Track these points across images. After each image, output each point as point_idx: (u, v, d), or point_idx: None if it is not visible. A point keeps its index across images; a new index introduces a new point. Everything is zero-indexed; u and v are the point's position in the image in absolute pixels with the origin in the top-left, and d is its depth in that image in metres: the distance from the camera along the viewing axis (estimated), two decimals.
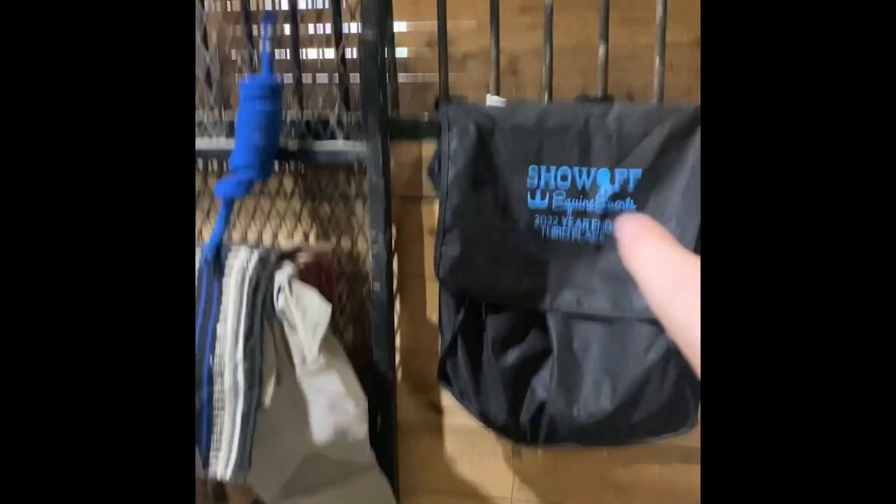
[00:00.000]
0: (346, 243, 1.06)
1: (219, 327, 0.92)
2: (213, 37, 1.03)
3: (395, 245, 1.03)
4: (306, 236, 1.07)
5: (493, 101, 0.96)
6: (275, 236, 1.08)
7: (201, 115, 1.05)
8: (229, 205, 0.96)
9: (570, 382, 0.90)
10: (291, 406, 0.94)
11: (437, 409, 1.08)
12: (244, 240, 1.09)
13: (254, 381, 0.91)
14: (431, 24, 0.95)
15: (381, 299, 1.01)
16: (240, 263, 0.93)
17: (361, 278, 1.06)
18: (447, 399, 1.06)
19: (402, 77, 1.11)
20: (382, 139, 0.96)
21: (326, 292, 1.01)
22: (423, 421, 1.10)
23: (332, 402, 0.94)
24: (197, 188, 1.08)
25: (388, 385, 1.05)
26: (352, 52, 1.01)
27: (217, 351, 0.92)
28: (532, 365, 0.94)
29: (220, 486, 1.08)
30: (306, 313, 0.91)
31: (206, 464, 0.92)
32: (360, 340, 1.07)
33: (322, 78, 1.03)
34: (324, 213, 1.06)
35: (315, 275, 1.03)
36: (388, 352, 1.03)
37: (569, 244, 0.92)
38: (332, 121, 1.01)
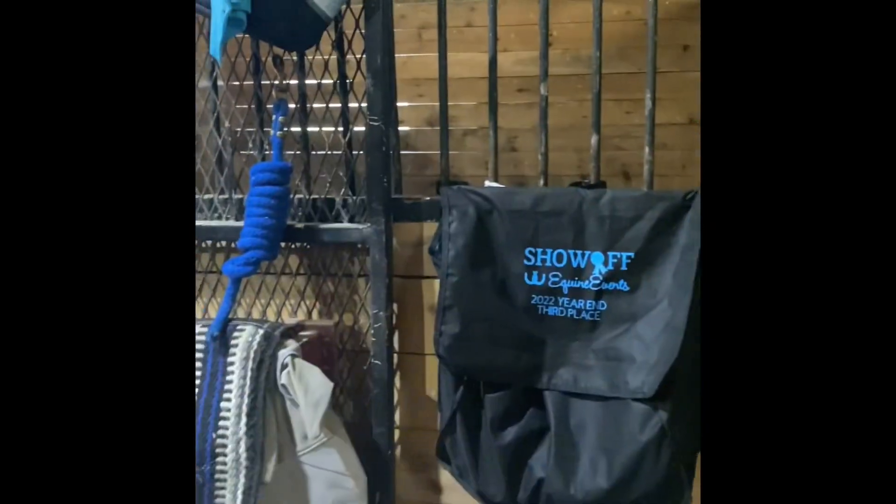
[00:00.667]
0: (348, 320, 1.09)
1: (223, 403, 0.94)
2: (225, 121, 1.10)
3: (396, 322, 1.06)
4: (309, 312, 1.10)
5: (491, 184, 1.01)
6: (279, 312, 1.11)
7: (212, 195, 1.10)
8: (236, 283, 1.00)
9: (567, 461, 0.92)
10: (292, 482, 0.95)
11: (436, 488, 1.09)
12: (249, 314, 1.12)
13: (256, 456, 0.92)
14: (432, 104, 1.01)
15: (382, 375, 1.04)
16: (245, 340, 0.96)
17: (362, 354, 1.09)
18: (446, 477, 1.07)
19: (402, 152, 1.16)
20: (385, 220, 1.01)
21: (328, 368, 1.04)
22: (421, 500, 1.10)
23: (331, 480, 0.95)
24: (205, 266, 1.12)
25: (388, 462, 1.06)
26: (351, 129, 1.07)
27: (220, 426, 0.93)
28: (530, 443, 0.95)
29: None
30: (308, 390, 0.93)
31: None
32: (359, 416, 1.09)
33: (329, 155, 1.08)
34: (327, 291, 1.10)
35: (317, 351, 1.06)
36: (387, 428, 1.05)
37: (565, 322, 0.95)
38: (338, 202, 1.06)
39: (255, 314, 1.12)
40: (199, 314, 1.14)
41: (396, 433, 1.08)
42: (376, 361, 1.04)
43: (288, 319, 1.09)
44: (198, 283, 1.13)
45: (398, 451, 1.09)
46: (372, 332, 1.03)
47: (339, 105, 1.07)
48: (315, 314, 1.10)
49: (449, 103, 1.05)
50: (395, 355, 1.07)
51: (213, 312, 1.13)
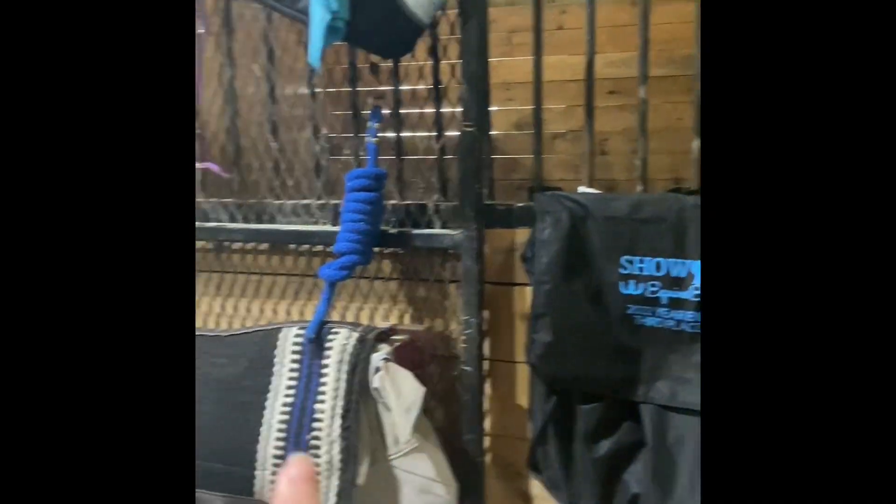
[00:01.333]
0: (438, 325, 1.10)
1: (317, 405, 0.96)
2: (322, 127, 1.12)
3: (486, 329, 1.05)
4: (401, 317, 1.11)
5: (585, 190, 0.99)
6: (371, 316, 1.12)
7: (309, 200, 1.13)
8: (332, 287, 1.02)
9: (665, 477, 0.89)
10: (383, 486, 0.96)
11: (526, 498, 1.08)
12: (343, 318, 1.14)
13: (349, 459, 0.94)
14: (521, 108, 1.00)
15: (472, 382, 1.03)
16: (339, 343, 0.98)
17: (453, 360, 1.09)
18: (536, 488, 1.06)
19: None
20: (477, 226, 1.00)
21: (419, 372, 1.04)
22: None
23: (422, 486, 0.95)
24: (302, 269, 1.15)
25: (478, 469, 1.05)
26: (444, 134, 1.07)
27: (315, 427, 0.95)
28: (625, 457, 0.93)
29: None
30: (400, 395, 0.94)
31: None
32: (448, 422, 1.09)
33: (422, 161, 1.09)
34: (419, 296, 1.10)
35: (408, 355, 1.06)
36: (477, 435, 1.04)
37: (663, 333, 0.92)
38: (430, 208, 1.06)
39: (349, 318, 1.14)
40: (295, 316, 1.17)
41: (486, 440, 1.07)
42: (466, 368, 1.03)
43: (380, 324, 1.11)
44: (294, 286, 1.16)
45: (488, 458, 1.08)
46: (462, 338, 1.03)
47: (433, 110, 1.07)
48: (406, 319, 1.11)
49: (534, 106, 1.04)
50: (486, 362, 1.06)
51: (308, 315, 1.16)
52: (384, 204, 1.05)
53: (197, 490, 0.98)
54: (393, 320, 1.12)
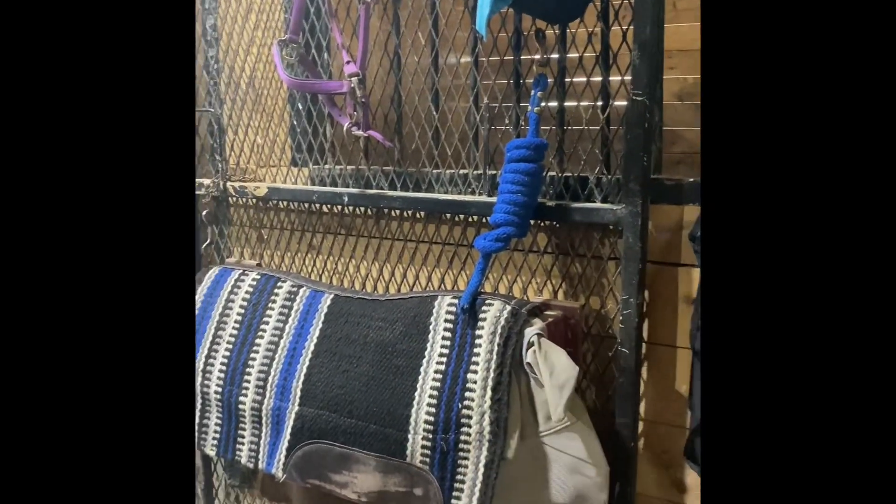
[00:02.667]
0: (594, 303, 1.06)
1: (469, 375, 0.97)
2: (484, 96, 1.11)
3: (646, 310, 1.01)
4: (555, 292, 1.09)
5: None
6: (524, 290, 1.11)
7: (466, 170, 1.13)
8: (487, 258, 1.01)
9: None
10: (532, 462, 0.95)
11: (681, 487, 1.03)
12: (495, 290, 1.13)
13: (499, 431, 0.94)
14: (683, 77, 0.93)
15: (628, 364, 0.99)
16: (493, 315, 0.97)
17: (608, 340, 1.05)
18: (692, 478, 1.00)
19: None
20: (642, 202, 0.95)
21: (571, 350, 1.02)
22: (664, 497, 1.05)
23: (572, 465, 0.94)
24: (457, 239, 1.15)
25: (629, 454, 1.01)
26: (611, 104, 1.02)
27: (466, 397, 0.96)
28: None
29: None
30: (554, 371, 0.92)
31: None
32: (601, 404, 1.06)
33: (584, 132, 1.05)
34: (574, 272, 1.07)
35: (561, 332, 1.04)
36: (631, 420, 1.01)
37: None
38: (592, 181, 1.03)
39: (501, 290, 1.13)
40: (448, 285, 1.18)
41: (640, 425, 1.03)
42: (623, 349, 0.99)
43: (533, 298, 1.09)
44: (448, 256, 1.17)
45: (640, 443, 1.04)
46: (620, 318, 0.99)
47: (600, 79, 1.03)
48: (560, 295, 1.09)
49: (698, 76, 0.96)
50: (644, 345, 1.01)
51: (461, 285, 1.17)
52: (543, 176, 1.02)
53: (352, 448, 1.03)
54: (546, 295, 1.10)
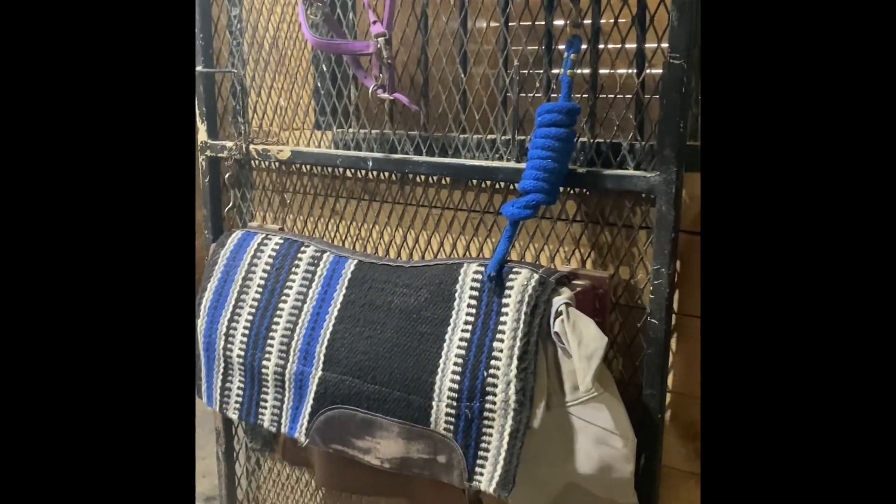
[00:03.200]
0: (624, 273, 1.04)
1: (495, 343, 0.96)
2: (514, 60, 1.08)
3: (677, 281, 0.99)
4: (583, 261, 1.07)
5: None
6: (552, 258, 1.09)
7: (495, 135, 1.11)
8: (515, 226, 1.00)
9: None
10: (558, 432, 0.94)
11: None
12: (522, 258, 1.12)
13: (525, 400, 0.93)
14: None
15: (657, 336, 0.98)
16: (520, 283, 0.96)
17: (637, 311, 1.03)
18: None
19: None
20: (677, 169, 0.93)
21: (599, 320, 1.01)
22: (689, 470, 1.04)
23: (599, 436, 0.93)
24: (483, 206, 1.14)
25: (656, 426, 1.01)
26: (647, 69, 0.99)
27: (492, 365, 0.95)
28: None
29: (476, 496, 1.12)
30: (582, 341, 0.91)
31: (471, 474, 0.96)
32: (628, 375, 1.05)
33: (618, 97, 1.02)
34: (603, 241, 1.05)
35: (589, 301, 1.03)
36: (658, 391, 1.00)
37: None
38: (624, 147, 1.00)
39: (528, 258, 1.12)
40: (473, 252, 1.17)
41: (667, 397, 1.02)
42: (653, 320, 0.98)
43: (561, 267, 1.07)
44: (474, 223, 1.15)
45: (667, 415, 1.03)
46: (650, 288, 0.97)
47: (635, 44, 1.00)
48: (589, 264, 1.07)
49: None
50: (673, 315, 1.00)
51: (486, 252, 1.15)
52: (574, 141, 1.00)
53: (375, 414, 1.03)
54: (574, 265, 1.08)
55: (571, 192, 1.06)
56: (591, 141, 1.03)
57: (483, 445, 0.96)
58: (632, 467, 0.93)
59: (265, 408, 1.15)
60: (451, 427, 0.98)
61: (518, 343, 0.94)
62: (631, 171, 0.99)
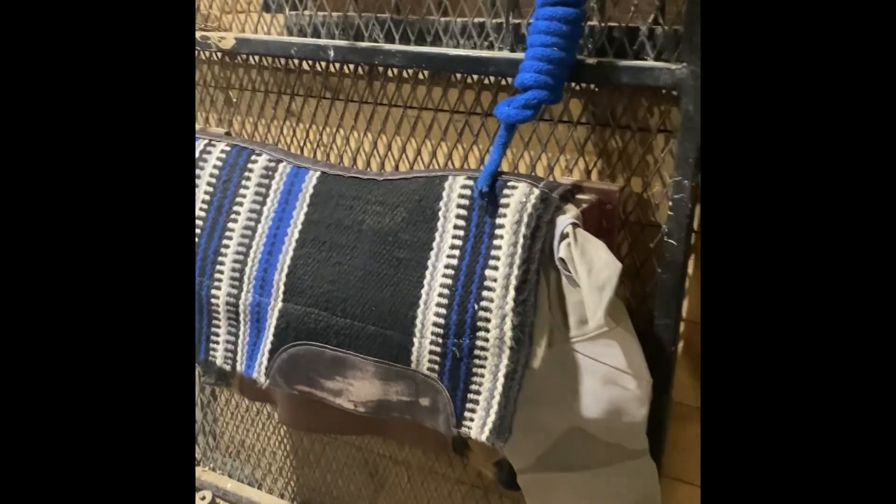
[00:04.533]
0: (635, 185, 0.91)
1: (487, 271, 0.83)
2: None
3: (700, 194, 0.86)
4: (588, 172, 0.93)
5: None
6: (551, 168, 0.95)
7: (483, 18, 0.93)
8: (511, 130, 0.85)
9: None
10: (561, 372, 0.83)
11: None
12: (515, 168, 0.97)
13: (523, 338, 0.81)
14: None
15: (675, 258, 0.86)
16: (517, 200, 0.82)
17: (650, 229, 0.91)
18: None
19: None
20: None
21: (606, 241, 0.88)
22: (700, 406, 0.95)
23: (609, 376, 0.82)
24: (469, 106, 0.98)
25: (668, 359, 0.91)
26: None
27: (484, 297, 0.82)
28: None
29: (461, 438, 1.02)
30: (592, 269, 0.78)
31: (459, 419, 0.86)
32: (637, 302, 0.93)
33: None
34: (613, 147, 0.91)
35: (595, 219, 0.90)
36: (672, 321, 0.89)
37: None
38: (643, 33, 0.84)
39: (521, 169, 0.97)
40: (457, 161, 1.02)
41: (680, 326, 0.91)
42: (670, 240, 0.86)
43: (562, 179, 0.93)
44: (457, 126, 1.00)
45: (679, 346, 0.93)
46: (669, 203, 0.84)
47: None
48: (594, 175, 0.93)
49: None
50: (693, 235, 0.87)
51: (473, 161, 1.00)
52: (583, 25, 0.84)
53: (346, 351, 0.90)
54: (577, 175, 0.94)
55: (576, 87, 0.91)
56: (602, 25, 0.87)
57: (473, 388, 0.85)
58: (645, 411, 0.83)
59: (217, 343, 1.02)
60: (437, 367, 0.86)
61: (515, 271, 0.81)
62: (651, 63, 0.84)
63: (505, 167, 0.95)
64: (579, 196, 0.88)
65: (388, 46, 0.98)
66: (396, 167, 1.07)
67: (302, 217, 0.95)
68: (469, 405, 0.85)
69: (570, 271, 0.80)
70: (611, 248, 0.90)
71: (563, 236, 0.80)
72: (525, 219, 0.82)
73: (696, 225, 0.87)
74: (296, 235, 0.95)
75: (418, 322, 0.86)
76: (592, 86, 0.90)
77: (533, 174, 0.95)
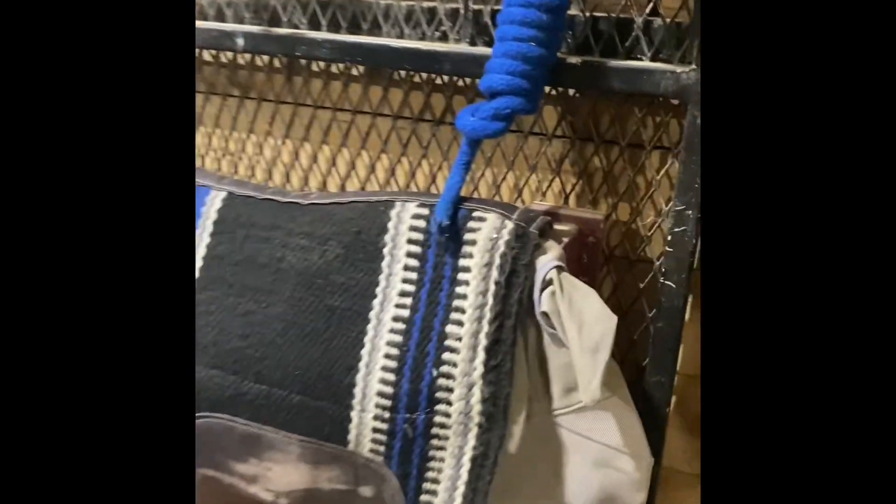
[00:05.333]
0: (623, 212, 0.76)
1: (449, 327, 0.65)
2: None
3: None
4: (566, 196, 0.77)
5: None
6: (519, 191, 0.78)
7: (435, 2, 0.75)
8: (475, 146, 0.68)
9: None
10: (542, 450, 0.67)
11: None
12: (474, 191, 0.80)
13: (496, 413, 0.65)
14: None
15: (672, 304, 0.71)
16: (486, 236, 0.66)
17: (640, 265, 0.76)
18: None
19: None
20: None
21: (587, 280, 0.73)
22: (692, 472, 0.82)
23: (601, 457, 0.66)
24: (417, 110, 0.80)
25: (660, 422, 0.76)
26: None
27: (445, 360, 0.65)
28: None
29: None
30: (582, 326, 0.62)
31: None
32: (622, 351, 0.78)
33: None
34: (595, 166, 0.76)
35: (575, 254, 0.74)
36: (667, 378, 0.74)
37: None
38: (637, 26, 0.69)
39: (483, 191, 0.80)
40: (402, 180, 0.84)
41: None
42: (667, 283, 0.71)
43: (533, 204, 0.77)
44: (402, 136, 0.82)
45: (671, 404, 0.79)
46: (668, 238, 0.69)
47: None
48: (573, 200, 0.77)
49: None
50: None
51: (421, 181, 0.83)
52: (566, 16, 0.68)
53: (263, 427, 0.71)
54: (551, 200, 0.78)
55: (552, 93, 0.75)
56: (586, 15, 0.71)
57: (430, 475, 0.67)
58: (643, 497, 0.68)
59: None
60: (382, 448, 0.68)
61: (486, 328, 0.64)
62: (648, 63, 0.68)
63: (464, 191, 0.78)
64: (557, 227, 0.72)
65: (312, 34, 0.79)
66: (324, 184, 0.88)
67: (202, 251, 0.75)
68: (424, 496, 0.68)
69: (554, 328, 0.63)
70: (593, 287, 0.75)
71: (546, 283, 0.64)
72: (497, 260, 0.65)
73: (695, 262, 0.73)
74: (195, 275, 0.75)
75: (358, 391, 0.68)
76: (572, 91, 0.74)
77: (498, 200, 0.79)
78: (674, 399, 0.79)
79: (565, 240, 0.71)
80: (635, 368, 0.77)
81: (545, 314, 0.63)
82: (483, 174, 0.80)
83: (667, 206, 0.72)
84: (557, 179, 0.77)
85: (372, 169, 0.84)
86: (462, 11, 0.74)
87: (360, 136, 0.84)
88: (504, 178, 0.79)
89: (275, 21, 0.83)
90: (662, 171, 0.72)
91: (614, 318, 0.63)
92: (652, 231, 0.74)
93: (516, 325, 0.64)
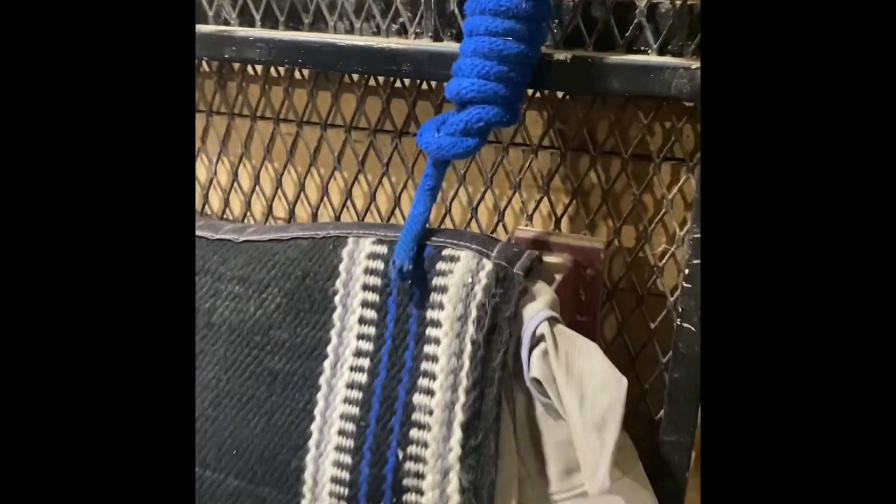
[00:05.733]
0: (627, 238, 0.63)
1: (417, 397, 0.53)
2: None
3: None
4: (556, 220, 0.64)
5: None
6: (500, 215, 0.65)
7: None
8: (441, 167, 0.55)
9: None
10: None
11: None
12: (447, 212, 0.67)
13: None
14: None
15: (691, 350, 0.59)
16: (459, 280, 0.53)
17: (651, 300, 0.63)
18: None
19: None
20: None
21: (586, 320, 0.61)
22: None
23: None
24: (373, 121, 0.67)
25: (677, 485, 0.64)
26: None
27: (413, 439, 0.53)
28: None
29: None
30: (585, 395, 0.50)
31: None
32: (631, 404, 0.66)
33: None
34: (591, 183, 0.63)
35: (570, 289, 0.62)
36: (687, 438, 0.62)
37: None
38: (639, 12, 0.56)
39: (456, 215, 0.67)
40: (359, 202, 0.70)
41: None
42: (686, 325, 0.58)
43: (518, 231, 0.64)
44: (358, 153, 0.68)
45: (690, 463, 0.67)
46: (685, 271, 0.56)
47: None
48: (565, 224, 0.64)
49: None
50: None
51: (383, 208, 0.69)
52: (551, 1, 0.54)
53: None
54: (539, 225, 0.65)
55: (537, 96, 0.62)
56: (576, 2, 0.58)
57: None
58: None
59: None
60: None
61: (462, 397, 0.52)
62: (654, 58, 0.55)
63: (432, 216, 0.65)
64: (548, 259, 0.60)
65: (243, 31, 0.65)
66: (269, 213, 0.74)
67: None
68: None
69: (549, 397, 0.51)
70: (593, 331, 0.63)
71: (537, 340, 0.51)
72: (473, 312, 0.52)
73: None
74: None
75: (307, 476, 0.55)
76: (563, 94, 0.61)
77: (475, 226, 0.66)
78: (693, 455, 0.68)
79: (558, 276, 0.59)
80: (647, 423, 0.65)
81: (536, 380, 0.51)
82: (456, 194, 0.66)
83: (681, 230, 0.60)
84: (546, 199, 0.64)
85: (324, 189, 0.71)
86: (423, 1, 0.61)
87: (307, 150, 0.70)
88: (482, 199, 0.66)
89: (200, 16, 0.69)
90: (675, 189, 0.59)
91: (624, 382, 0.50)
92: (664, 261, 0.62)
93: (500, 395, 0.52)
